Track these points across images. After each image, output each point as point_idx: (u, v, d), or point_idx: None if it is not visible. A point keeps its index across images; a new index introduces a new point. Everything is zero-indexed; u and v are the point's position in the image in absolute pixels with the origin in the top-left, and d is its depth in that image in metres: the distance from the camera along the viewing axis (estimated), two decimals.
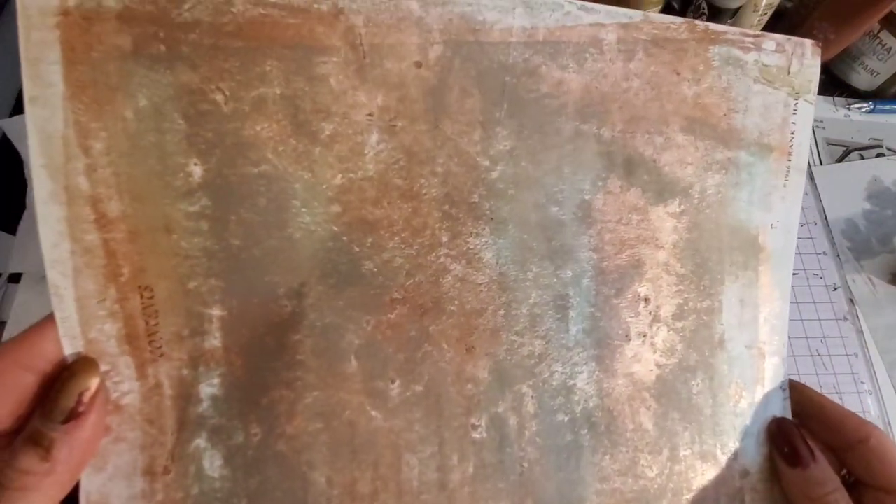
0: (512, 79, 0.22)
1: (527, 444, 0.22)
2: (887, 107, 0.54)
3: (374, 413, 0.21)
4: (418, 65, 0.21)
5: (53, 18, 0.17)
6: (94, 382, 0.18)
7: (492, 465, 0.22)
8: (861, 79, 0.54)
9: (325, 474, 0.20)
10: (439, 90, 0.21)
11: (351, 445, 0.21)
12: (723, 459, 0.24)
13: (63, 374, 0.18)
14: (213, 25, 0.19)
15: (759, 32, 0.24)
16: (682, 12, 0.52)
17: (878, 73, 0.53)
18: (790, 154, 0.25)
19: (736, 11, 0.48)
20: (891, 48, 0.50)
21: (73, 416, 0.17)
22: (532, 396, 0.22)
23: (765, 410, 0.24)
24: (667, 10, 0.51)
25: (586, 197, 0.23)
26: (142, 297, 0.19)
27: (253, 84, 0.19)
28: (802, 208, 0.25)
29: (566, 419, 0.23)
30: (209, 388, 0.19)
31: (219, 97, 0.19)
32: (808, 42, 0.24)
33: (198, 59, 0.19)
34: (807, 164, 0.25)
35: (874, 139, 0.54)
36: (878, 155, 0.53)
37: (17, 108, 0.46)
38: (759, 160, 0.24)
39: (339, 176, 0.20)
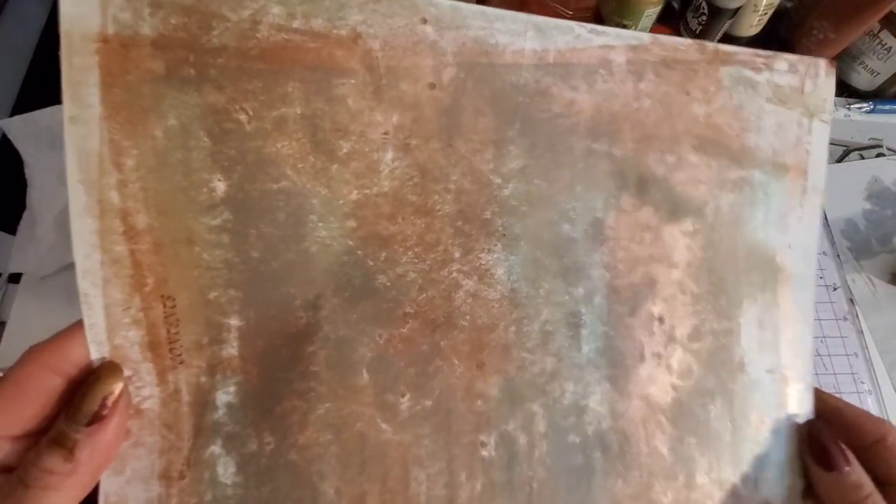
0: (524, 99, 0.22)
1: (536, 463, 0.22)
2: (887, 107, 0.54)
3: (384, 426, 0.21)
4: (432, 86, 0.22)
5: (94, 45, 0.19)
6: (118, 387, 0.18)
7: (500, 484, 0.22)
8: (861, 79, 0.54)
9: (335, 485, 0.20)
10: (453, 110, 0.22)
11: (360, 457, 0.21)
12: (742, 489, 0.23)
13: (89, 378, 0.18)
14: (239, 49, 0.20)
15: (770, 52, 0.24)
16: (681, 12, 0.53)
17: (878, 73, 0.53)
18: (806, 174, 0.24)
19: (736, 11, 0.48)
20: (891, 48, 0.50)
21: (96, 419, 0.18)
22: (542, 415, 0.22)
23: (789, 440, 0.24)
24: (666, 10, 0.51)
25: (598, 215, 0.23)
26: (164, 306, 0.19)
27: (275, 104, 0.20)
28: None
29: (577, 440, 0.22)
30: (225, 395, 0.20)
31: (242, 117, 0.20)
32: (822, 61, 0.24)
33: (224, 80, 0.20)
34: (823, 184, 0.25)
35: (874, 139, 0.53)
36: (878, 155, 0.53)
37: (17, 108, 0.46)
38: (774, 179, 0.24)
39: (355, 192, 0.21)
